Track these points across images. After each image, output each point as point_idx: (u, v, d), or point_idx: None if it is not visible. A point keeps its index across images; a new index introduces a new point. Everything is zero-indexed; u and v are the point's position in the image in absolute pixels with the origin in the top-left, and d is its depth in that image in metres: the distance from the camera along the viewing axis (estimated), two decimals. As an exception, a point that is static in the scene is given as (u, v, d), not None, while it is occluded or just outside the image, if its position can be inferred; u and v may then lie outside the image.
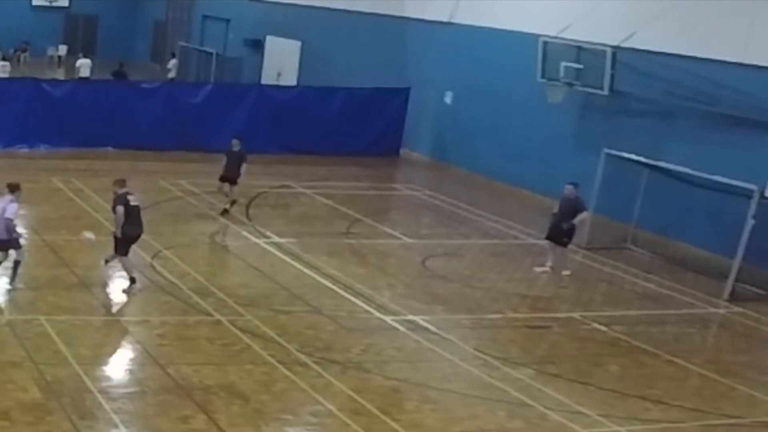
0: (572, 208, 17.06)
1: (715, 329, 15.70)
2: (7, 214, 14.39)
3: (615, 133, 20.89)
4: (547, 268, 17.32)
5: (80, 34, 47.26)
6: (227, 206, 19.73)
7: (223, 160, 19.84)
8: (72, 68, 35.80)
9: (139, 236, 15.03)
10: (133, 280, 14.87)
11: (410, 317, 14.60)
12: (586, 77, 21.55)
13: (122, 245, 14.78)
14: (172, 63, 38.42)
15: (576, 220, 17.04)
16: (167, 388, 11.55)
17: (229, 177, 19.65)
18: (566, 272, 17.33)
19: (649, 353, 13.85)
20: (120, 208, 14.49)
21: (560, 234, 17.19)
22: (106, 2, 46.93)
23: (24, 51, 44.03)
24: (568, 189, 17.24)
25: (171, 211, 19.94)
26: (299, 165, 24.56)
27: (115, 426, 10.58)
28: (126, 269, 14.91)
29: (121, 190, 14.78)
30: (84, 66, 35.55)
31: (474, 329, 14.48)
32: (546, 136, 23.14)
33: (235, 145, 19.89)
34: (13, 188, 14.75)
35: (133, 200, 14.73)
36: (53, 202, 19.90)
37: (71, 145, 24.67)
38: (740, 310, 16.13)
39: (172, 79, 37.01)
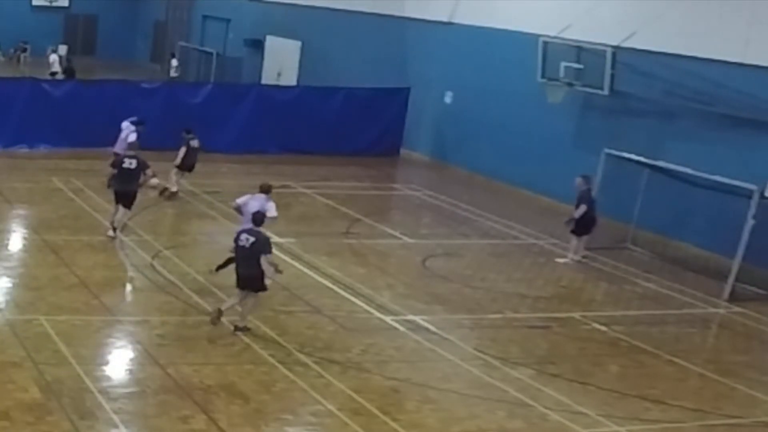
0: (577, 199, 17.97)
1: (715, 329, 15.70)
2: (270, 213, 14.85)
3: (615, 133, 20.89)
4: (568, 259, 18.19)
5: (80, 34, 47.26)
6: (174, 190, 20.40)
7: (183, 151, 20.52)
8: (71, 69, 35.86)
9: (124, 193, 17.26)
10: (114, 230, 17.35)
11: (410, 317, 14.60)
12: (586, 77, 21.55)
13: (115, 197, 17.46)
14: (174, 63, 38.37)
15: (575, 213, 17.80)
16: (167, 388, 11.55)
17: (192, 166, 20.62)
18: (560, 259, 18.02)
19: (649, 353, 13.86)
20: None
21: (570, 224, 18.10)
22: (106, 2, 46.92)
23: (23, 51, 44.03)
24: (576, 181, 18.10)
25: (171, 211, 19.94)
26: (299, 165, 24.57)
27: (115, 426, 10.59)
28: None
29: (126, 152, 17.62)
30: (55, 62, 35.83)
31: (474, 329, 14.48)
32: (546, 136, 23.14)
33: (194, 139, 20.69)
34: (267, 189, 15.33)
35: (126, 163, 17.23)
36: (53, 202, 19.91)
37: (71, 145, 24.66)
38: (740, 310, 16.13)
39: (172, 78, 37.03)
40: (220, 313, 13.40)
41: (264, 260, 13.08)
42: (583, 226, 17.99)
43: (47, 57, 37.36)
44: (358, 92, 27.12)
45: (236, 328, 13.36)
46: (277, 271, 13.38)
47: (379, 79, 27.53)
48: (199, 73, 38.98)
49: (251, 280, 13.29)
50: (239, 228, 13.97)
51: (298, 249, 17.60)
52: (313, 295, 15.29)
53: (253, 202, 14.95)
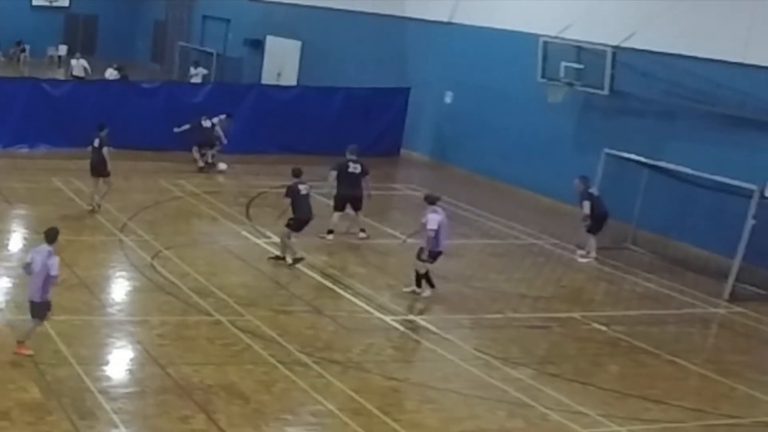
0: (580, 199, 18.32)
1: (715, 329, 15.70)
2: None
3: (615, 133, 20.89)
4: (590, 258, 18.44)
5: (80, 34, 47.24)
6: (362, 234, 18.68)
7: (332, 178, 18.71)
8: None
9: (308, 221, 16.79)
10: (279, 257, 16.78)
11: (410, 317, 14.61)
12: (586, 77, 21.55)
13: (293, 225, 16.66)
14: (198, 71, 35.08)
15: (585, 210, 18.10)
16: (167, 388, 11.55)
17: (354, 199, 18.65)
18: (582, 259, 18.24)
19: (649, 353, 13.86)
20: (287, 200, 16.64)
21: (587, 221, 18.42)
22: (106, 2, 46.91)
23: (23, 51, 44.01)
24: (575, 183, 18.40)
25: (171, 211, 19.94)
26: (299, 165, 24.46)
27: (115, 426, 10.59)
28: (285, 245, 16.69)
29: (293, 180, 16.69)
30: (77, 66, 35.42)
31: (474, 329, 14.48)
32: (546, 136, 23.13)
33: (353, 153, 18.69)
34: (434, 200, 15.60)
35: (303, 189, 16.61)
36: (53, 202, 19.91)
37: (71, 145, 24.58)
38: (740, 310, 16.12)
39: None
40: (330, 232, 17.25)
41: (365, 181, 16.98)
42: (596, 223, 18.23)
43: (54, 57, 36.37)
44: (358, 92, 27.11)
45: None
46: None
47: (379, 79, 27.52)
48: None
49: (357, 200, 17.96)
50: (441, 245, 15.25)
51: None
52: (313, 295, 15.29)
53: (442, 216, 15.27)
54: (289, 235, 16.66)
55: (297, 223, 16.64)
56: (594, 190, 18.32)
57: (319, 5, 32.02)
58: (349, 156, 18.51)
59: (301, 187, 16.64)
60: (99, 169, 19.28)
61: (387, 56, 28.66)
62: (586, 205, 17.98)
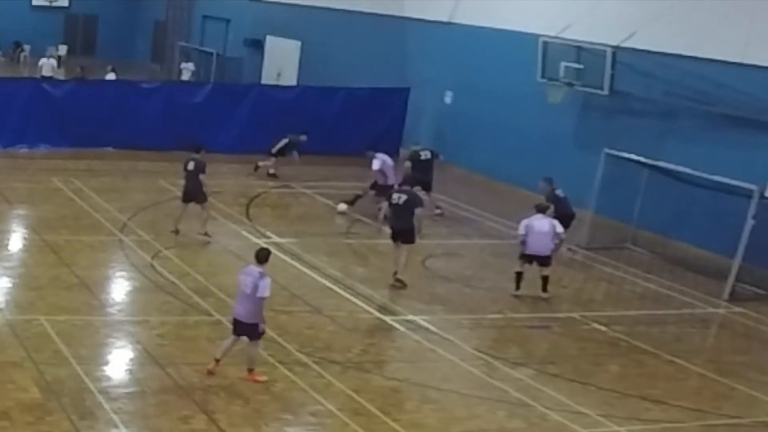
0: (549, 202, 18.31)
1: (715, 329, 15.70)
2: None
3: (615, 133, 20.88)
4: None
5: (80, 34, 47.25)
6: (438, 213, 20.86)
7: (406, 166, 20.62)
8: (73, 68, 35.75)
9: (399, 230, 15.90)
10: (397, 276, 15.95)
11: (410, 317, 14.60)
12: (586, 77, 21.55)
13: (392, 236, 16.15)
14: (187, 65, 37.28)
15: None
16: (167, 388, 11.55)
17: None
18: None
19: (649, 353, 13.86)
20: (384, 204, 16.45)
21: None
22: (106, 2, 46.90)
23: (22, 51, 43.98)
24: (540, 185, 18.44)
25: (171, 211, 19.88)
26: (299, 165, 24.52)
27: (115, 426, 10.59)
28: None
29: (398, 188, 16.53)
30: (44, 65, 35.50)
31: (474, 329, 14.48)
32: (546, 136, 23.14)
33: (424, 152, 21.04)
34: (544, 208, 16.29)
35: (395, 198, 15.98)
36: (53, 202, 19.91)
37: (71, 145, 24.67)
38: (740, 310, 16.13)
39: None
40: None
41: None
42: (561, 223, 18.06)
43: (54, 57, 36.66)
44: (358, 92, 27.11)
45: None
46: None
47: (379, 79, 27.52)
48: (199, 73, 38.94)
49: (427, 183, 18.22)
50: (529, 249, 15.62)
51: (298, 249, 17.60)
52: (313, 295, 15.29)
53: (539, 222, 15.68)
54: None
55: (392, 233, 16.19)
56: (559, 192, 18.26)
57: (319, 5, 32.02)
58: (420, 147, 20.98)
59: (394, 195, 16.12)
60: (193, 194, 17.97)
61: (387, 56, 28.66)
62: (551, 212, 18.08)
